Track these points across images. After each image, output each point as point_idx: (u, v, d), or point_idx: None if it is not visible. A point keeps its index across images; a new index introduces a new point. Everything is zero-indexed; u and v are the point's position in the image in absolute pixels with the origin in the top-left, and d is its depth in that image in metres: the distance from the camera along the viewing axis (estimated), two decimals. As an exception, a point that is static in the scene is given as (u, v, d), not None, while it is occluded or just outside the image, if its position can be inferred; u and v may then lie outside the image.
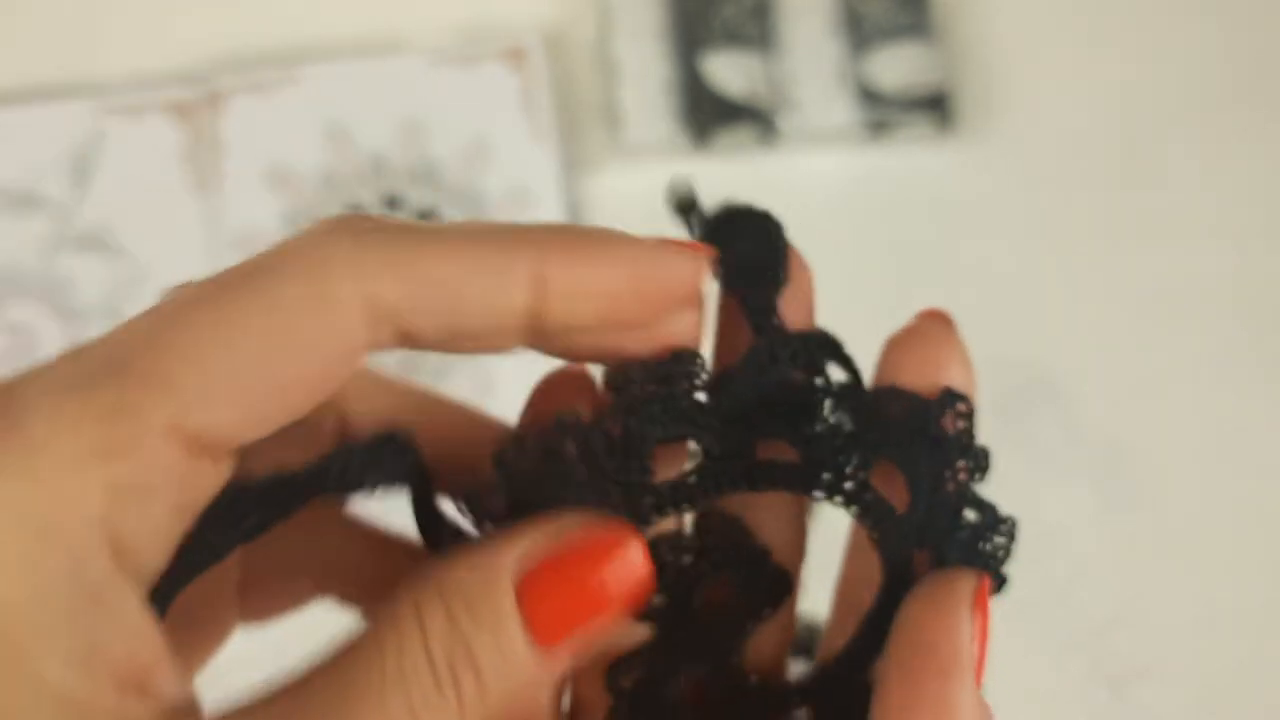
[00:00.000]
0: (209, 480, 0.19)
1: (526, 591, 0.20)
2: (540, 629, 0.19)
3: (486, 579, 0.20)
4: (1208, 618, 0.51)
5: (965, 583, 0.21)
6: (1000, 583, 0.24)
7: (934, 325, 0.24)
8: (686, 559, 0.24)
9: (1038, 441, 0.53)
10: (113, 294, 0.54)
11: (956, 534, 0.24)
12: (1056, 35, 0.59)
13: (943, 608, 0.21)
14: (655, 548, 0.24)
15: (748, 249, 0.25)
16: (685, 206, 0.25)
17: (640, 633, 0.24)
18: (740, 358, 0.24)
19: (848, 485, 0.24)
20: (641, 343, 0.23)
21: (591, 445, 0.23)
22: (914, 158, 0.56)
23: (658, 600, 0.24)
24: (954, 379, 0.24)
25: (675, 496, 0.24)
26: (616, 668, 0.24)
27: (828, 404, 0.24)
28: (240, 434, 0.19)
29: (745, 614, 0.25)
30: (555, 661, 0.20)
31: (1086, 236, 0.56)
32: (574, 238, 0.22)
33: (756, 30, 0.57)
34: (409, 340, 0.20)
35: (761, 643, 0.25)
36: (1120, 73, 0.58)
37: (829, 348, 0.25)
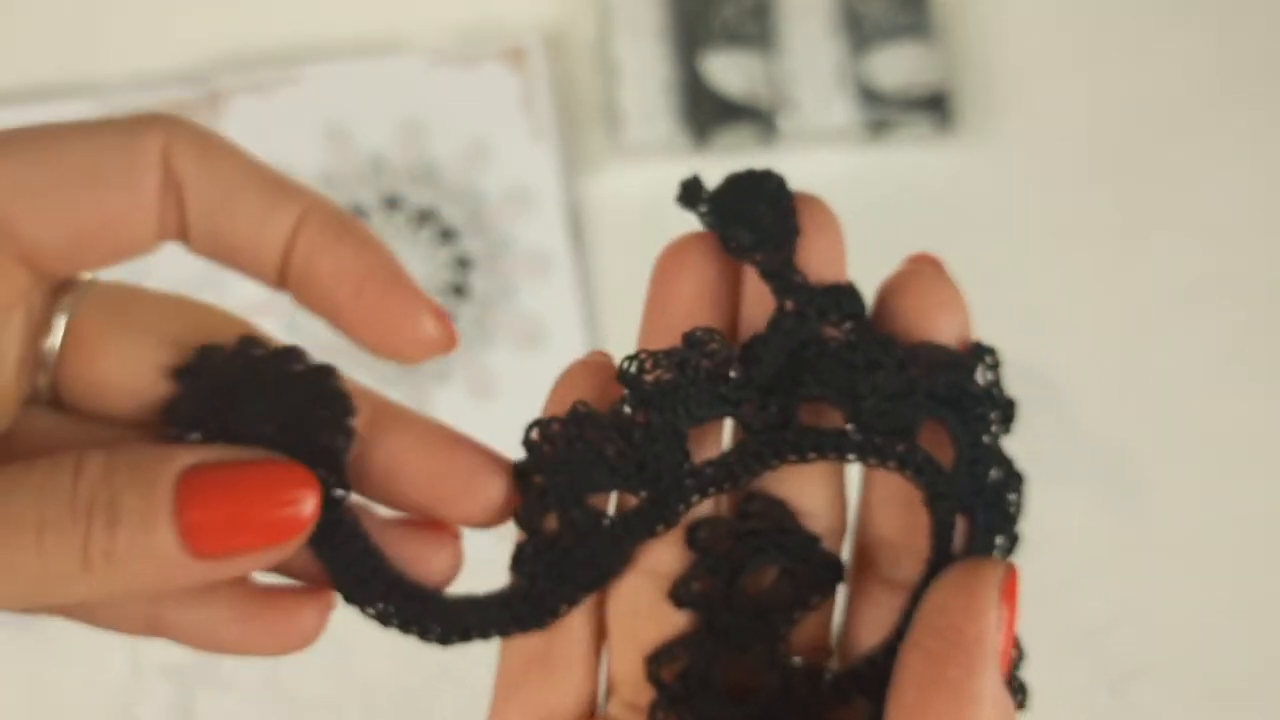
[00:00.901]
0: (46, 308, 0.22)
1: (188, 494, 0.20)
2: (191, 534, 0.20)
3: (157, 460, 0.20)
4: (1208, 618, 0.51)
5: (994, 570, 0.21)
6: (1014, 542, 0.24)
7: (927, 270, 0.24)
8: (727, 544, 0.24)
9: (1037, 442, 0.53)
10: (113, 294, 0.54)
11: (984, 492, 0.24)
12: (1056, 35, 0.59)
13: (970, 594, 0.21)
14: (694, 532, 0.24)
15: (751, 214, 0.24)
16: (692, 199, 0.24)
17: (681, 621, 0.24)
18: (767, 323, 0.24)
19: (899, 448, 0.23)
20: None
21: (608, 435, 0.24)
22: (914, 158, 0.56)
23: (698, 587, 0.24)
24: (953, 324, 0.23)
25: (718, 476, 0.24)
26: (657, 658, 0.24)
27: (866, 362, 0.24)
28: (69, 262, 0.22)
29: (792, 602, 0.24)
30: (197, 568, 0.20)
31: (1086, 236, 0.56)
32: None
33: (756, 30, 0.57)
34: (185, 231, 0.22)
35: (805, 627, 0.24)
36: (1120, 73, 0.58)
37: (855, 298, 0.24)
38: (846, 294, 0.24)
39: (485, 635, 0.24)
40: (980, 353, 0.24)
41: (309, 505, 0.21)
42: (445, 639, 0.24)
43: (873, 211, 0.56)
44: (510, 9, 0.58)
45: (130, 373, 0.22)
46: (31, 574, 0.19)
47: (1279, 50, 0.58)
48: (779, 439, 0.24)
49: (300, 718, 0.49)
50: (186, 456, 0.21)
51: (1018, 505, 0.24)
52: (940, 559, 0.23)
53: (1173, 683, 0.50)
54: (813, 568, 0.24)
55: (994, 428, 0.24)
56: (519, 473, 0.24)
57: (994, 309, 0.55)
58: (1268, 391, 0.54)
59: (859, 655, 0.24)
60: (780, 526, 0.24)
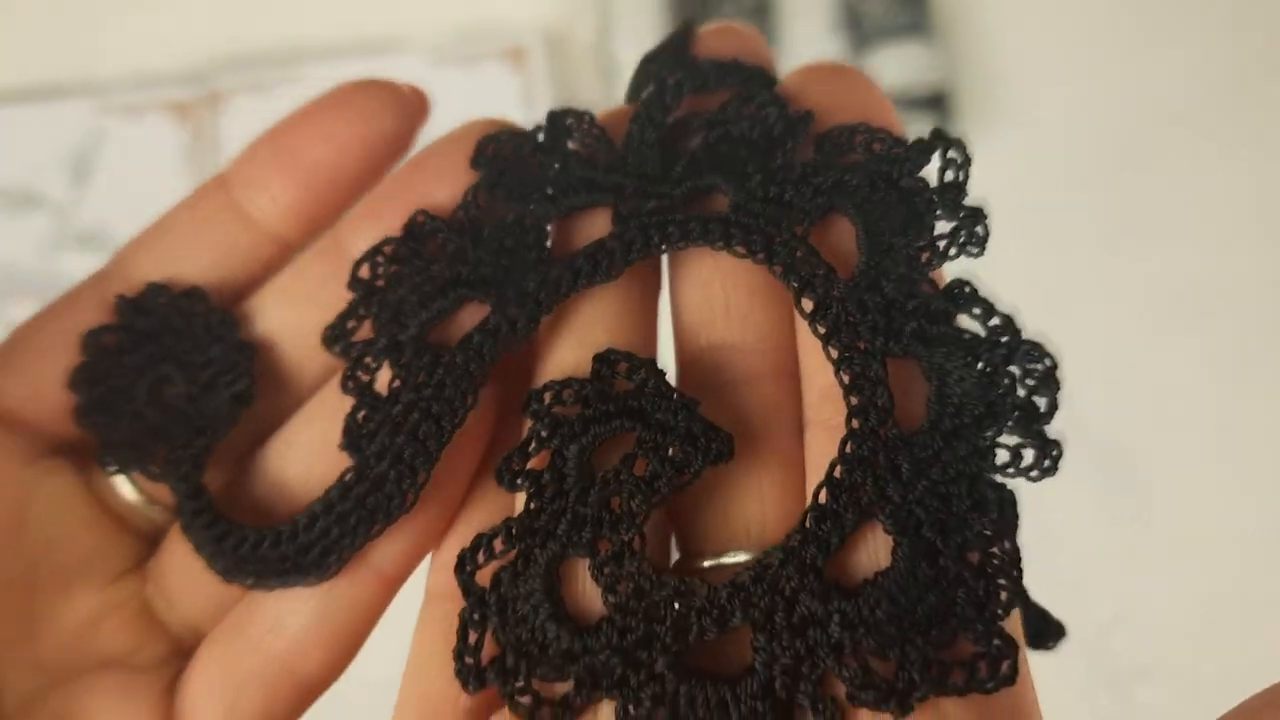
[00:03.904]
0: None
1: None
2: None
3: None
4: (1208, 618, 0.51)
5: None
6: (1054, 455, 0.17)
7: (845, 70, 0.20)
8: (573, 408, 0.18)
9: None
10: (113, 294, 0.54)
11: (940, 334, 0.17)
12: (1056, 35, 0.59)
13: None
14: (534, 395, 0.18)
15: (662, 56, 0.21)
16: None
17: (505, 504, 0.19)
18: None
19: (776, 238, 0.18)
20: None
21: (449, 240, 0.20)
22: (914, 158, 0.56)
23: (532, 462, 0.18)
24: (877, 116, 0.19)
25: (585, 268, 0.19)
26: (471, 551, 0.18)
27: (767, 137, 0.19)
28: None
29: (646, 483, 0.17)
30: None
31: (1086, 236, 0.56)
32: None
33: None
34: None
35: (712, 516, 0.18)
36: (1120, 72, 0.58)
37: (753, 74, 0.20)
38: (739, 69, 0.20)
39: (339, 543, 0.19)
40: (940, 144, 0.18)
41: None
42: (320, 567, 0.19)
43: (873, 211, 0.56)
44: (510, 9, 0.58)
45: None
46: None
47: (1278, 50, 0.58)
48: (649, 223, 0.19)
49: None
50: None
51: (1036, 384, 0.17)
52: (862, 440, 0.17)
53: (1173, 683, 0.50)
54: (678, 439, 0.17)
55: (944, 244, 0.17)
56: (336, 332, 0.20)
57: (994, 309, 0.55)
58: (1268, 392, 0.54)
59: (742, 561, 0.18)
60: (642, 387, 0.18)
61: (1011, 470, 0.17)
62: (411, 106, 0.21)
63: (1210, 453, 0.53)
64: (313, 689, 0.21)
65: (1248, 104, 0.57)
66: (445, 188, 0.20)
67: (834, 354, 0.17)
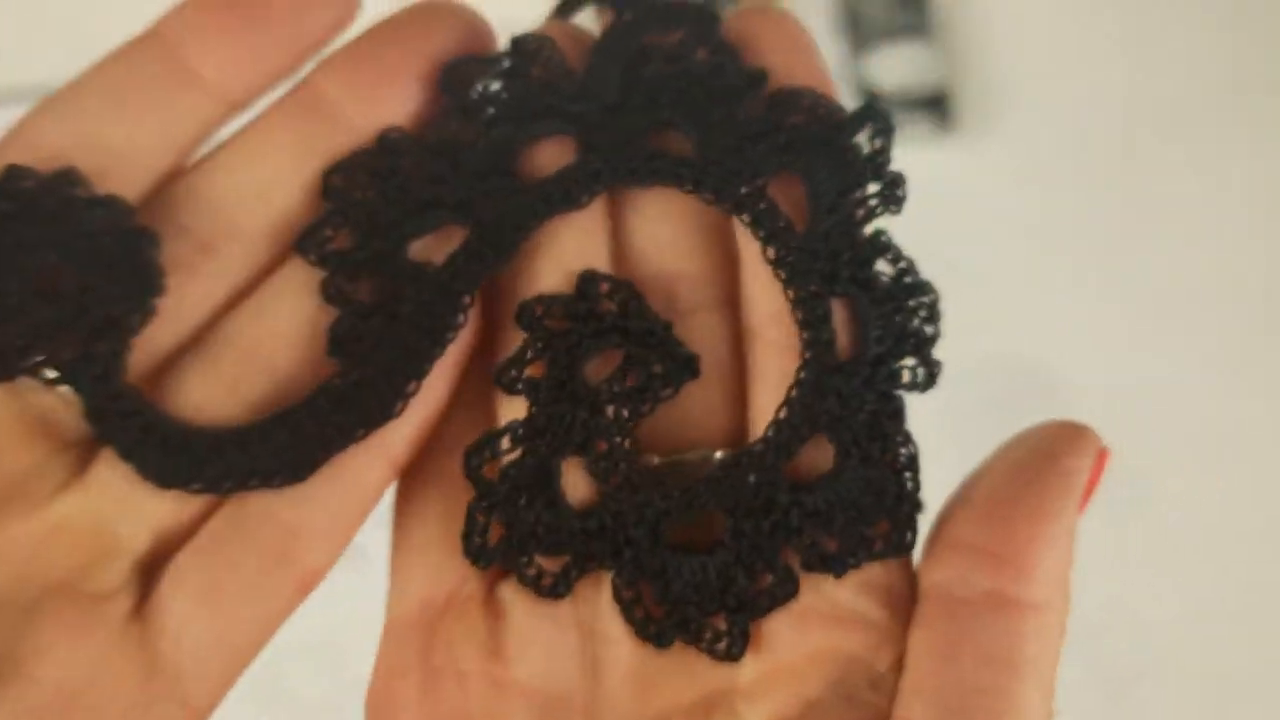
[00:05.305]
0: None
1: None
2: None
3: None
4: (1207, 618, 0.51)
5: (1096, 435, 0.21)
6: (931, 373, 0.22)
7: (784, 21, 0.22)
8: (564, 323, 0.21)
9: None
10: (113, 294, 0.54)
11: (867, 278, 0.21)
12: (1056, 35, 0.59)
13: (1075, 435, 0.21)
14: (525, 308, 0.21)
15: None
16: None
17: (508, 410, 0.21)
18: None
19: (742, 189, 0.21)
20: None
21: (427, 162, 0.21)
22: (914, 158, 0.56)
23: (531, 372, 0.21)
24: (809, 73, 0.22)
25: (552, 197, 0.21)
26: (476, 450, 0.21)
27: (727, 89, 0.21)
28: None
29: (634, 396, 0.21)
30: None
31: (1086, 236, 0.56)
32: None
33: None
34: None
35: (703, 417, 0.22)
36: (1120, 73, 0.58)
37: (705, 16, 0.22)
38: (694, 9, 0.22)
39: (320, 446, 0.19)
40: (870, 114, 0.22)
41: None
42: (295, 468, 0.19)
43: (872, 211, 0.56)
44: (511, 9, 0.58)
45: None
46: None
47: (1278, 49, 0.58)
48: (616, 157, 0.21)
49: (300, 718, 0.49)
50: None
51: (926, 316, 0.22)
52: (816, 360, 0.21)
53: (1170, 685, 0.50)
54: (661, 357, 0.21)
55: (873, 202, 0.22)
56: (311, 237, 0.20)
57: (994, 308, 0.55)
58: (1268, 391, 0.54)
59: (709, 460, 0.22)
60: (624, 309, 0.21)
61: (906, 387, 0.21)
62: None
63: (1210, 452, 0.53)
64: (313, 578, 0.20)
65: (1249, 103, 0.57)
66: (413, 61, 0.22)
67: (792, 295, 0.21)
